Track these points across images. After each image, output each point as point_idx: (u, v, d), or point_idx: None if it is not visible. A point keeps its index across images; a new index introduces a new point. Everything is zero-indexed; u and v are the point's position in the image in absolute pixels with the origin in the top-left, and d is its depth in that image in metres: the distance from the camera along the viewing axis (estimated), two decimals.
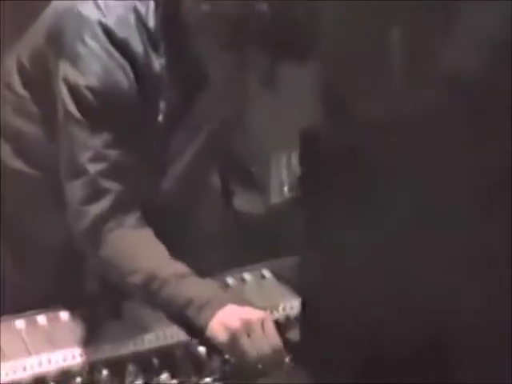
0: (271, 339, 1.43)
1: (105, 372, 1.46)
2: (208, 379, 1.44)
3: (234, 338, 1.41)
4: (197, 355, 1.51)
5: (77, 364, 1.47)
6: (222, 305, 1.45)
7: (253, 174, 1.91)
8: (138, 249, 1.51)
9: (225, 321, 1.43)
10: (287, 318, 1.70)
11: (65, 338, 1.53)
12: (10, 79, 1.58)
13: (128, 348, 1.55)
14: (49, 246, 1.64)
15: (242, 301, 1.55)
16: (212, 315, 1.44)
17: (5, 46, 1.70)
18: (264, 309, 1.65)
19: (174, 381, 1.44)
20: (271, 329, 1.45)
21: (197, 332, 1.48)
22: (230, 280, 1.76)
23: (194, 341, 1.50)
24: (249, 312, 1.46)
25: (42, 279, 1.64)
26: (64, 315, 1.59)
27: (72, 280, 1.63)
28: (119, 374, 1.46)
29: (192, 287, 1.48)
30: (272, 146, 1.87)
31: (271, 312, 1.70)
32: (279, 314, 1.70)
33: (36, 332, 1.52)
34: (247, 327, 1.41)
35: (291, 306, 1.73)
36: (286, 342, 1.49)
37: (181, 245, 1.59)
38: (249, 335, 1.41)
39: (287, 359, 1.46)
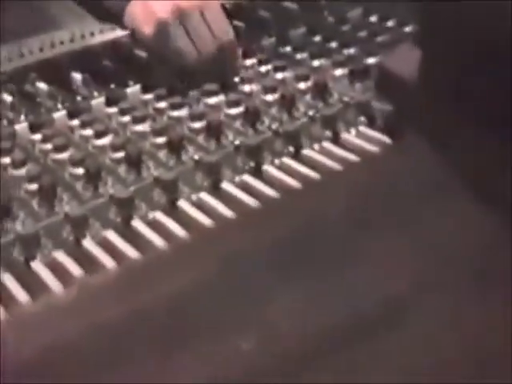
0: (218, 24, 1.01)
1: None
2: None
3: (161, 30, 1.00)
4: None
5: None
6: None
7: None
8: None
9: (148, 4, 1.01)
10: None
11: None
12: None
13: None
14: None
15: None
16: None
17: None
18: None
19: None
20: (216, 12, 1.01)
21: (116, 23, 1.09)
22: None
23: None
24: None
25: None
26: None
27: None
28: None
29: None
30: None
31: None
32: None
33: None
34: (180, 14, 0.99)
35: None
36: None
37: None
38: (184, 26, 0.99)
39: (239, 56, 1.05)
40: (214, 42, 0.99)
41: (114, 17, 1.07)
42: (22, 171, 0.88)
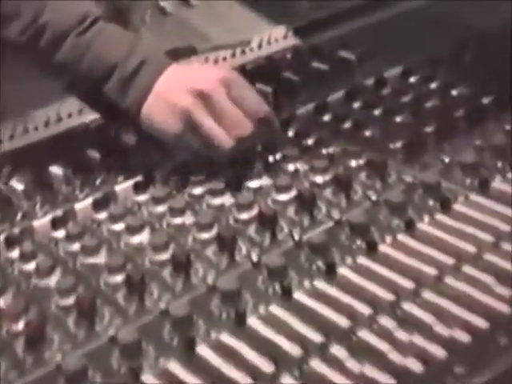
0: (248, 99, 0.88)
1: None
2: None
3: (187, 123, 0.87)
4: None
5: None
6: (158, 73, 0.89)
7: None
8: None
9: (169, 97, 0.87)
10: (270, 58, 1.13)
11: None
12: None
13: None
14: None
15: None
16: (143, 95, 0.88)
17: None
18: (230, 46, 1.10)
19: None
20: (242, 85, 0.90)
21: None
22: (167, 4, 1.22)
23: None
24: (205, 76, 0.89)
25: None
26: None
27: None
28: None
29: (116, 43, 0.91)
30: None
31: (242, 52, 1.13)
32: (254, 55, 1.13)
33: None
34: (204, 98, 0.86)
35: (270, 37, 1.15)
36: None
37: None
38: (211, 111, 0.86)
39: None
40: (248, 122, 0.86)
41: (124, 115, 0.91)
42: (50, 281, 0.75)
